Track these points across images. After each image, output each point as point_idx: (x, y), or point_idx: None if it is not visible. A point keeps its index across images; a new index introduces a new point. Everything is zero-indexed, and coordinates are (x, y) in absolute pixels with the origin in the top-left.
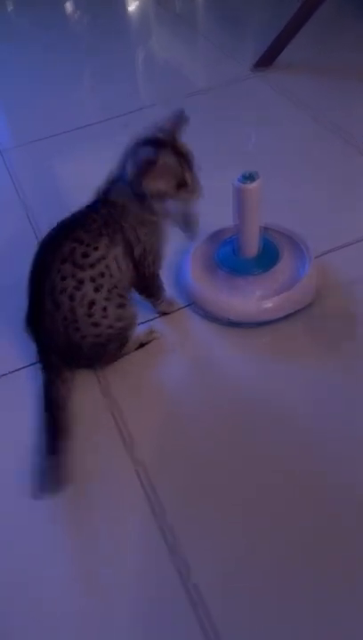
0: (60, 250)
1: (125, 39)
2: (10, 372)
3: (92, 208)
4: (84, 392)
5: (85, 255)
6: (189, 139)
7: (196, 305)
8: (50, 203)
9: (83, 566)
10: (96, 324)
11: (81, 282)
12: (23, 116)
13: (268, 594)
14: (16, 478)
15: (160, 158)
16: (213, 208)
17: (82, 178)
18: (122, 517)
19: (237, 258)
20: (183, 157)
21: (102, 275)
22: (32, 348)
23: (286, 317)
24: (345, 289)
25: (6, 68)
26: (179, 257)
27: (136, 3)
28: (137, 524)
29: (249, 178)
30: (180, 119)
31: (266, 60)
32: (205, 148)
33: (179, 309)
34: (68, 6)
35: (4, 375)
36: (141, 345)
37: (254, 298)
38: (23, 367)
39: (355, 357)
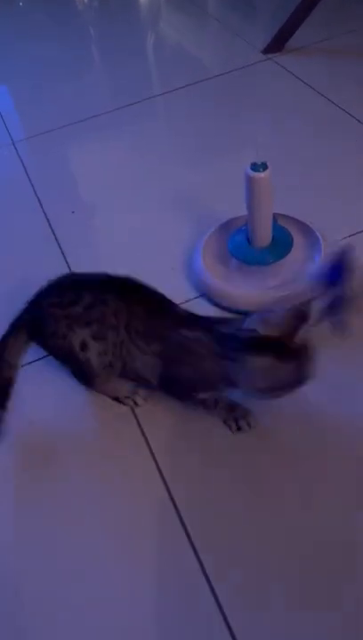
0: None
1: (135, 25)
2: None
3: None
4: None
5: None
6: (202, 124)
7: (208, 294)
8: (62, 193)
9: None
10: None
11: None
12: (34, 107)
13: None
14: None
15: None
16: (225, 194)
17: (93, 167)
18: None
19: (249, 247)
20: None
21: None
22: None
23: None
24: (359, 277)
25: (16, 59)
26: (190, 245)
27: None
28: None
29: (261, 166)
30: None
31: (277, 44)
32: (217, 132)
33: (191, 300)
34: None
35: None
36: (116, 399)
37: (266, 287)
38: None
39: None
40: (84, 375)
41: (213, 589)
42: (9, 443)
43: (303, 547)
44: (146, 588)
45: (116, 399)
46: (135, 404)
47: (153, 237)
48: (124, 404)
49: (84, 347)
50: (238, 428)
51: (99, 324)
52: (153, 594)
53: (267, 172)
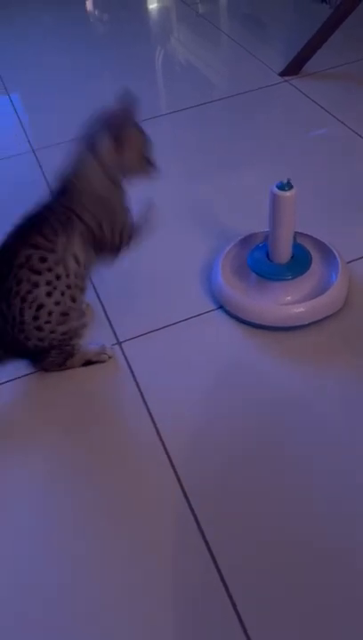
0: (16, 256)
1: (149, 42)
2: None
3: (47, 207)
4: (120, 391)
5: (43, 260)
6: (219, 143)
7: (225, 307)
8: None
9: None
10: (39, 328)
11: (36, 285)
12: (46, 116)
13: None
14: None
15: (135, 130)
16: (243, 212)
17: None
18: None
19: (269, 263)
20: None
21: (58, 277)
22: None
23: (316, 323)
24: None
25: (39, 71)
26: (210, 258)
27: (158, 4)
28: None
29: (286, 185)
30: (130, 99)
31: (295, 67)
32: (230, 154)
33: (209, 312)
34: (91, 8)
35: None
36: (89, 362)
37: (284, 302)
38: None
39: None
40: (69, 348)
41: (227, 588)
42: None
43: (319, 553)
44: (161, 588)
45: (89, 362)
46: (108, 356)
47: (172, 250)
48: (99, 361)
49: (49, 294)
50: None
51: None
52: (169, 593)
53: (292, 191)
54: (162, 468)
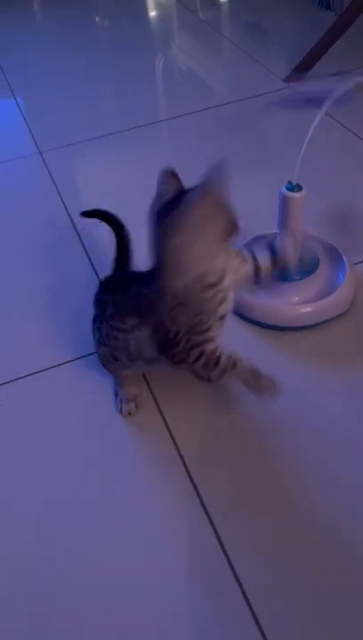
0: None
1: (151, 47)
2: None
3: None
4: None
5: (112, 317)
6: (222, 148)
7: (234, 307)
8: (88, 201)
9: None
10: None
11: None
12: (56, 120)
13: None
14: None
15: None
16: (246, 216)
17: (116, 182)
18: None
19: None
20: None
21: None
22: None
23: (324, 323)
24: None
25: (44, 75)
26: None
27: (160, 10)
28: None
29: (296, 187)
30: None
31: (299, 73)
32: (235, 159)
33: None
34: (93, 13)
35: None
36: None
37: (293, 302)
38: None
39: None
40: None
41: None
42: None
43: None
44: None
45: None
46: (128, 413)
47: None
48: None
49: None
50: (265, 387)
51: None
52: (182, 593)
53: (302, 192)
54: (172, 464)
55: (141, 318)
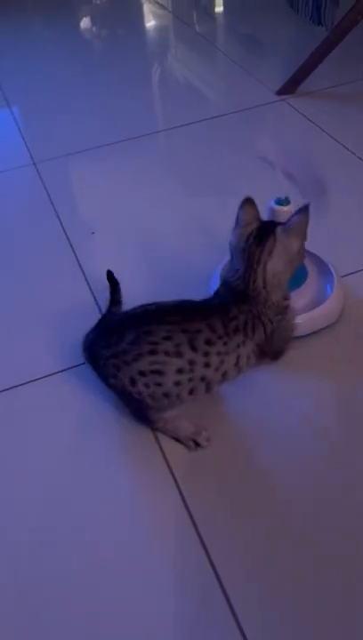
0: (190, 322)
1: (147, 58)
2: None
3: (228, 301)
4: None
5: (209, 342)
6: (216, 159)
7: None
8: (81, 212)
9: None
10: (133, 381)
11: (179, 354)
12: (51, 130)
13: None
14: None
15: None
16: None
17: (110, 192)
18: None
19: None
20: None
21: (206, 365)
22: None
23: (313, 334)
24: None
25: (40, 85)
26: (208, 270)
27: (156, 22)
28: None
29: (284, 201)
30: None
31: (291, 86)
32: (228, 170)
33: None
34: (90, 24)
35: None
36: (177, 439)
37: None
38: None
39: None
40: (140, 412)
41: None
42: None
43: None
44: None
45: (177, 439)
46: (197, 444)
47: (171, 261)
48: (184, 445)
49: (133, 382)
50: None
51: (150, 355)
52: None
53: (290, 206)
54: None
55: (246, 335)
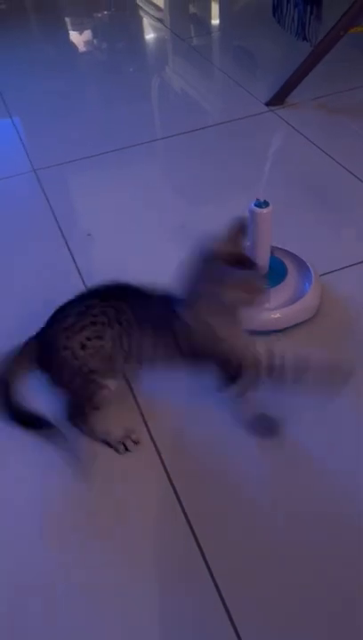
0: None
1: (144, 71)
2: None
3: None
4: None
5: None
6: (207, 167)
7: None
8: (78, 216)
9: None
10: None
11: (111, 326)
12: (51, 139)
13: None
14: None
15: (237, 278)
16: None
17: (106, 199)
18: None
19: None
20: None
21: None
22: None
23: (292, 328)
24: (344, 306)
25: (40, 95)
26: None
27: (154, 36)
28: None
29: (263, 204)
30: (239, 227)
31: (280, 97)
32: (219, 178)
33: None
34: (90, 38)
35: None
36: (106, 443)
37: (263, 309)
38: None
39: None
40: (78, 408)
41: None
42: None
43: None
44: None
45: (106, 443)
46: (125, 448)
47: (163, 262)
48: (114, 448)
49: (83, 346)
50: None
51: (92, 326)
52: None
53: (268, 208)
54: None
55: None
